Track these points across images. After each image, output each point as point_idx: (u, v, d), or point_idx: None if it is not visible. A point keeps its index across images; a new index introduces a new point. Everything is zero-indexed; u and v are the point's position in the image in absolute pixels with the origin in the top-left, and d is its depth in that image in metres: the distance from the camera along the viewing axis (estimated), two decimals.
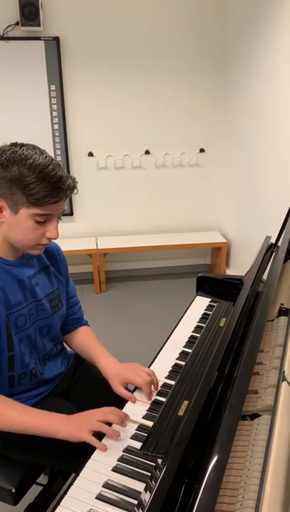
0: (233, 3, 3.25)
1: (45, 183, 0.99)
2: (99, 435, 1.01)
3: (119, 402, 1.15)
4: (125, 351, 2.71)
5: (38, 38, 3.24)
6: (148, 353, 1.42)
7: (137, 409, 1.12)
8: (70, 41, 3.33)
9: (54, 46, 3.27)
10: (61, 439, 1.02)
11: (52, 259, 1.31)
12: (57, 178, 1.01)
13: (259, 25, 2.87)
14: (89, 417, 1.04)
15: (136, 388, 1.19)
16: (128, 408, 1.13)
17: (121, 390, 1.17)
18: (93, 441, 0.99)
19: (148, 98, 3.56)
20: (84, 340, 1.40)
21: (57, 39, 3.27)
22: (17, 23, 3.16)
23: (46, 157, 1.02)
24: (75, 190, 1.08)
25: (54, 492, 1.33)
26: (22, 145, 1.05)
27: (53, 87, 3.38)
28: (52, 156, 1.05)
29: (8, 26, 3.19)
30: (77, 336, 1.42)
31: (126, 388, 1.19)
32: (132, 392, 1.18)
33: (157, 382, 1.20)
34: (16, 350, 1.16)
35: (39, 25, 3.13)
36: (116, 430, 1.02)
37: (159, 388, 1.20)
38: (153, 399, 1.16)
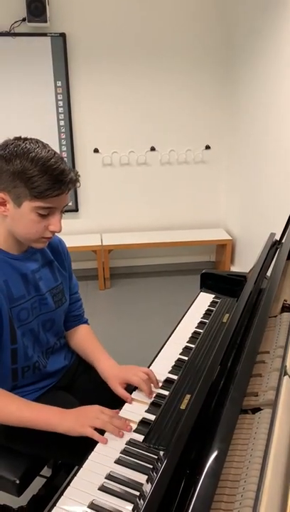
0: (238, 1, 3.25)
1: (48, 176, 1.00)
2: (101, 429, 1.02)
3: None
4: (129, 347, 2.72)
5: (44, 34, 3.25)
6: (151, 349, 1.42)
7: (137, 409, 1.12)
8: (76, 38, 3.33)
9: (60, 42, 3.28)
10: (60, 432, 1.03)
11: (56, 254, 1.32)
12: (60, 171, 1.01)
13: (264, 22, 2.85)
14: (91, 413, 1.05)
15: (135, 389, 1.19)
16: (127, 408, 1.13)
17: (119, 390, 1.18)
18: (96, 435, 1.00)
19: (153, 95, 3.55)
20: (84, 340, 1.40)
21: (63, 35, 3.27)
22: (24, 19, 3.16)
23: (49, 151, 1.03)
24: (78, 184, 1.09)
25: (57, 484, 1.34)
26: (25, 139, 1.06)
27: (59, 83, 3.39)
28: (58, 152, 1.06)
29: (15, 22, 3.19)
30: (76, 334, 1.42)
31: (125, 389, 1.19)
32: (131, 393, 1.18)
33: (157, 381, 1.20)
34: (19, 343, 1.17)
35: (46, 22, 3.14)
36: (121, 430, 1.02)
37: (160, 385, 1.20)
38: (152, 398, 1.16)
